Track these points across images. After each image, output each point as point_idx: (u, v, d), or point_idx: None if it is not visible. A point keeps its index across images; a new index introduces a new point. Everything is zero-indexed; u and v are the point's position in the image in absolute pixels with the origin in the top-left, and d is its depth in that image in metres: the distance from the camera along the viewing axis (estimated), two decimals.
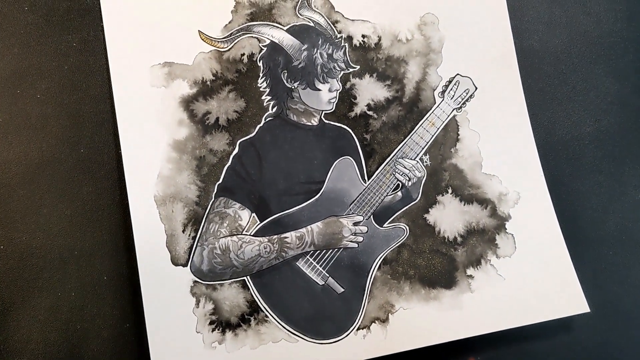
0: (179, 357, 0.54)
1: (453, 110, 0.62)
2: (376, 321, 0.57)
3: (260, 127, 0.59)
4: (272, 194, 0.58)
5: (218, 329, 0.55)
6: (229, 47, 0.59)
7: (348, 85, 0.60)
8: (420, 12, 0.62)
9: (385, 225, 0.59)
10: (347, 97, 0.60)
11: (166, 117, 0.57)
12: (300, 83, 0.59)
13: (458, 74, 0.62)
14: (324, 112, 0.60)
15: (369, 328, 0.57)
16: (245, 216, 0.57)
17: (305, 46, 0.59)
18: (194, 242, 0.56)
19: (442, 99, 0.62)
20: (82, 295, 0.56)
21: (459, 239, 0.60)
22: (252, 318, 0.56)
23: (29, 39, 0.59)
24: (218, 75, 0.58)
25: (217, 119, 0.58)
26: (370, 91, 0.61)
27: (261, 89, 0.59)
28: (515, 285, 0.59)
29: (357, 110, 0.60)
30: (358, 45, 0.61)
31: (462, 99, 0.62)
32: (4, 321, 0.55)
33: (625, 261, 0.64)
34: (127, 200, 0.55)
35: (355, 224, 0.58)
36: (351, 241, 0.58)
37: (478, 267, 0.60)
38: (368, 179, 0.60)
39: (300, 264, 0.57)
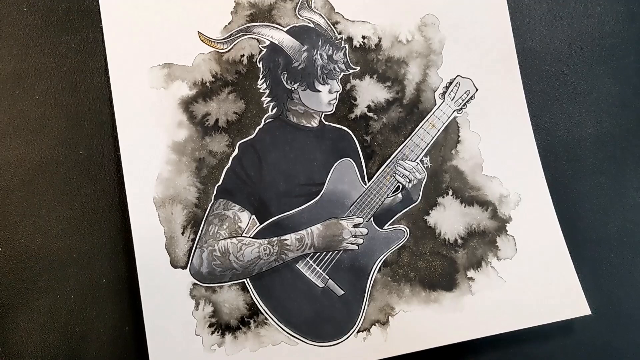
0: None
1: (454, 111, 0.61)
2: (376, 324, 0.57)
3: (260, 128, 0.58)
4: (271, 195, 0.57)
5: (217, 332, 0.55)
6: (229, 48, 0.59)
7: (348, 86, 0.60)
8: (420, 13, 0.62)
9: (385, 227, 0.59)
10: (347, 99, 0.60)
11: (165, 118, 0.57)
12: (300, 84, 0.59)
13: (459, 75, 0.62)
14: (324, 114, 0.60)
15: (369, 331, 0.57)
16: (245, 218, 0.57)
17: (305, 47, 0.59)
18: (193, 244, 0.56)
19: (442, 100, 0.61)
20: (81, 298, 0.55)
21: (459, 241, 0.60)
22: (251, 320, 0.56)
23: (28, 40, 0.58)
24: (218, 76, 0.58)
25: (217, 120, 0.58)
26: (370, 92, 0.60)
27: (261, 90, 0.59)
28: (516, 287, 0.59)
29: (357, 111, 0.60)
30: (358, 46, 0.61)
31: (463, 101, 0.62)
32: (2, 324, 0.55)
33: (626, 263, 0.64)
34: (127, 202, 0.55)
35: (356, 226, 0.58)
36: (351, 243, 0.58)
37: (479, 269, 0.60)
38: (368, 181, 0.59)
39: (300, 266, 0.57)
